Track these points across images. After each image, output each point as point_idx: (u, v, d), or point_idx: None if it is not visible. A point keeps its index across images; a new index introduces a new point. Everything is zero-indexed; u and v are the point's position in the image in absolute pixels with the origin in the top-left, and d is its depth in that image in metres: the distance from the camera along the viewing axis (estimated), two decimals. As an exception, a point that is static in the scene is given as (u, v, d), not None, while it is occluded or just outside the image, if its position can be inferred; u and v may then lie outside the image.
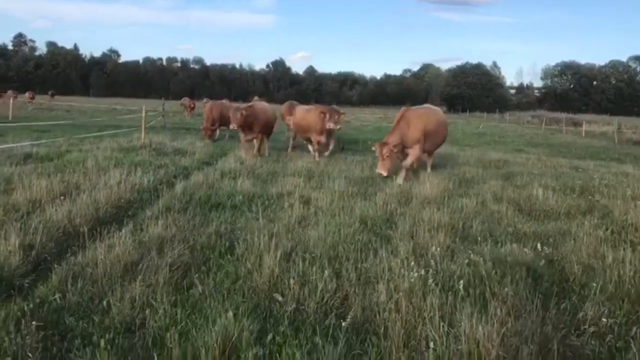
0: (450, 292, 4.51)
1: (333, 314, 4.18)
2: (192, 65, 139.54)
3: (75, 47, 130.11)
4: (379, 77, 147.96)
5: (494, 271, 5.02)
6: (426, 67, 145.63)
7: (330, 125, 13.54)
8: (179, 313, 4.13)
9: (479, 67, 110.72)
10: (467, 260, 5.30)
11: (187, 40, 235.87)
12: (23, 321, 3.86)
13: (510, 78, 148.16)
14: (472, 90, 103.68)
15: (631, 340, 3.81)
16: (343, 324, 3.92)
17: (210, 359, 3.47)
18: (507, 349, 3.44)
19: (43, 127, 21.29)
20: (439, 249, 5.66)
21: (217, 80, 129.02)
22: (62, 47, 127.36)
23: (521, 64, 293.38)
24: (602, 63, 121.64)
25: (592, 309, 4.30)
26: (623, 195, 9.59)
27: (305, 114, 15.05)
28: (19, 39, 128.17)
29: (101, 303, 4.34)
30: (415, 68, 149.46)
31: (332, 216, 7.46)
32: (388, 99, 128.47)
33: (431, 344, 3.54)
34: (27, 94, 46.43)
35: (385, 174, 10.71)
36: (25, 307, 4.10)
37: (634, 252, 5.69)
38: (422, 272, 4.86)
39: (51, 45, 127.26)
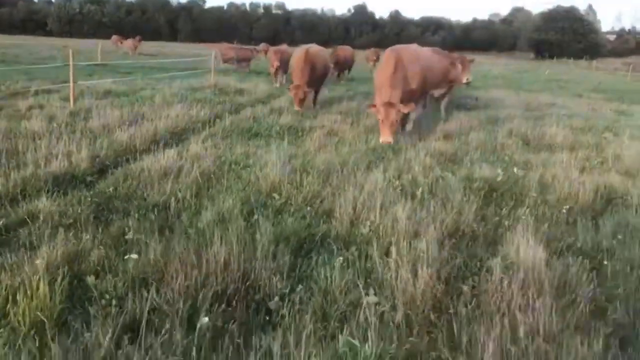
0: (409, 196, 5.61)
1: (309, 207, 5.42)
2: (274, 11, 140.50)
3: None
4: (463, 22, 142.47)
5: (458, 184, 6.05)
6: (516, 11, 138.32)
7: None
8: (193, 201, 5.52)
9: (570, 11, 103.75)
10: (438, 175, 6.33)
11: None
12: (84, 200, 5.38)
13: (611, 22, 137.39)
14: (562, 35, 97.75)
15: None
16: (308, 208, 5.16)
17: (208, 226, 4.80)
18: (417, 223, 4.57)
19: (127, 69, 23.50)
20: (421, 167, 6.69)
21: (298, 26, 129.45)
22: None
23: (620, 7, 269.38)
24: None
25: (522, 210, 5.30)
26: (631, 134, 10.03)
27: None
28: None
29: (142, 193, 5.81)
30: (505, 12, 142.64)
31: (349, 145, 8.59)
32: (474, 45, 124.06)
33: (368, 222, 4.72)
34: (132, 40, 46.25)
35: (392, 141, 8.73)
36: (87, 194, 5.65)
37: (590, 175, 6.49)
38: (395, 181, 5.99)
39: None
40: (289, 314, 3.30)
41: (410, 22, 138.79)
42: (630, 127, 10.92)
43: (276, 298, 3.50)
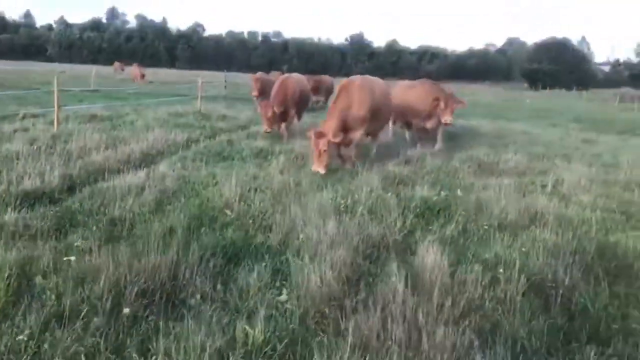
0: (348, 213, 6.18)
1: (252, 221, 5.97)
2: (272, 39, 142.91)
3: (164, 21, 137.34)
4: (459, 51, 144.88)
5: (396, 203, 6.62)
6: (511, 41, 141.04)
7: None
8: (148, 216, 6.05)
9: (563, 42, 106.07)
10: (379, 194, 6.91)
11: (269, 14, 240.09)
12: (48, 214, 5.90)
13: (606, 54, 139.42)
14: (555, 66, 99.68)
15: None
16: (251, 221, 5.72)
17: (155, 236, 5.31)
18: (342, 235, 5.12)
19: (121, 95, 24.24)
20: (368, 188, 7.25)
21: (296, 54, 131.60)
22: (151, 20, 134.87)
23: (615, 39, 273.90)
24: None
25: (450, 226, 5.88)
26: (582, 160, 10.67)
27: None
28: (112, 13, 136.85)
29: (104, 209, 6.33)
30: (500, 42, 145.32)
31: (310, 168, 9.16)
32: (469, 74, 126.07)
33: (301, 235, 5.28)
34: (134, 68, 42.46)
35: (323, 171, 8.65)
36: (53, 209, 6.18)
37: (527, 197, 7.15)
38: (341, 200, 6.56)
39: (141, 18, 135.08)
40: (210, 308, 3.82)
41: (406, 51, 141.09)
42: (587, 155, 11.54)
43: (197, 296, 4.02)
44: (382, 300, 3.85)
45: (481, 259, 5.05)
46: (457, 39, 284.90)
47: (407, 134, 13.30)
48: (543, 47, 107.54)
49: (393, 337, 3.36)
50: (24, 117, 13.40)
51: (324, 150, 8.80)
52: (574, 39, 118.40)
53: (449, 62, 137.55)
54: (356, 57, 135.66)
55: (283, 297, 4.03)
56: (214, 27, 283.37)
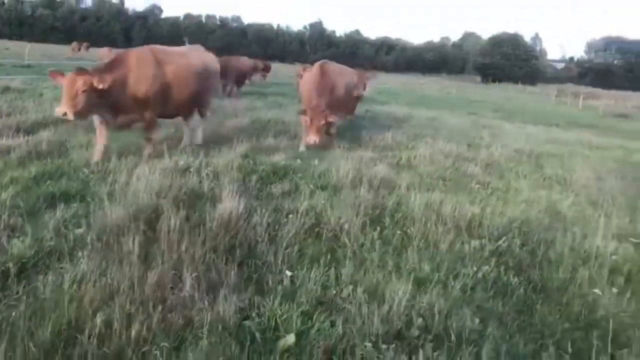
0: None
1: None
2: (231, 24, 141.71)
3: (121, 2, 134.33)
4: (416, 44, 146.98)
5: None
6: (467, 35, 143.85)
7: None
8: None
9: (514, 36, 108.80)
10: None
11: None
12: None
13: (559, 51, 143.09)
14: (506, 60, 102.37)
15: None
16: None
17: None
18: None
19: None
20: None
21: (255, 39, 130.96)
22: (109, 1, 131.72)
23: (567, 37, 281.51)
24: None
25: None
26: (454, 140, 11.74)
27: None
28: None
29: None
30: (458, 36, 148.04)
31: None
32: (425, 66, 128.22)
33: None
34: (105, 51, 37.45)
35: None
36: None
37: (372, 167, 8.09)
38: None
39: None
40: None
41: (365, 42, 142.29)
42: (469, 137, 12.68)
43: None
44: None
45: (285, 208, 5.83)
46: (416, 33, 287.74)
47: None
48: (495, 41, 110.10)
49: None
50: None
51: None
52: (528, 36, 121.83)
53: (406, 54, 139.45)
54: (315, 44, 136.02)
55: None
56: (172, 10, 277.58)
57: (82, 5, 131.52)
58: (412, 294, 3.96)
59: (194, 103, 9.11)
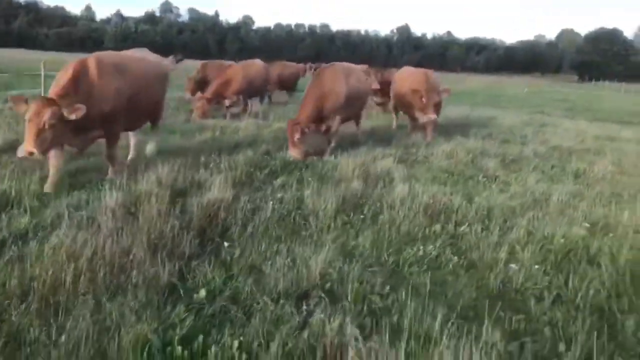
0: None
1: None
2: (318, 31, 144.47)
3: (216, 14, 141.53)
4: (508, 43, 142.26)
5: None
6: (564, 33, 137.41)
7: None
8: None
9: (613, 32, 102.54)
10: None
11: (316, 6, 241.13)
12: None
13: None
14: (603, 57, 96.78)
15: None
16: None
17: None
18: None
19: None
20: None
21: (342, 45, 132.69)
22: (204, 14, 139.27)
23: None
24: None
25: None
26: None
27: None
28: (166, 6, 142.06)
29: None
30: (554, 34, 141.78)
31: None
32: (516, 66, 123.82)
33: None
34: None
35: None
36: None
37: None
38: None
39: (193, 12, 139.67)
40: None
41: (454, 42, 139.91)
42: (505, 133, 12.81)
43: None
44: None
45: (276, 198, 6.51)
46: (510, 31, 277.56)
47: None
48: (593, 38, 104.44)
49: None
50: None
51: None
52: (630, 30, 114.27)
53: (497, 54, 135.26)
54: (402, 48, 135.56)
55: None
56: (263, 20, 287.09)
57: (180, 19, 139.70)
58: (336, 264, 4.50)
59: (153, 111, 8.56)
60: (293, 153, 9.03)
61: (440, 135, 12.20)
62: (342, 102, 9.71)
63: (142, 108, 7.86)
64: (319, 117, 9.56)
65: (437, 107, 11.68)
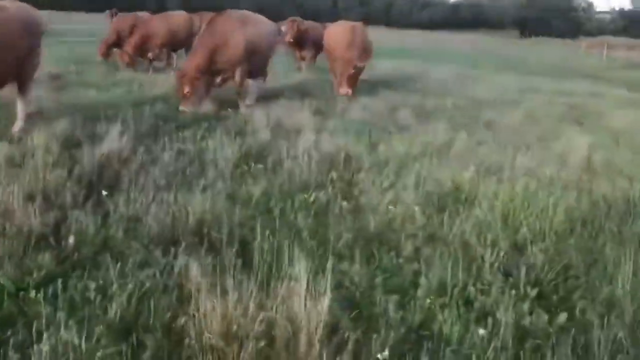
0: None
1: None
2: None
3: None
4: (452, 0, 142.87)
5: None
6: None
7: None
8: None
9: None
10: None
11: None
12: None
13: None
14: (544, 13, 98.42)
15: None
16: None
17: None
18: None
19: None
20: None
21: None
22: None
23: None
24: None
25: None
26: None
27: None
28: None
29: None
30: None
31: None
32: (461, 23, 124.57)
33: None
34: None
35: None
36: None
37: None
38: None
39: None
40: None
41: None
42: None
43: None
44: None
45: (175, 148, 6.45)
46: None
47: None
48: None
49: None
50: None
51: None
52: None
53: (441, 10, 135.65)
54: (347, 2, 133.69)
55: None
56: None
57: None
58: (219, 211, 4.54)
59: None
60: (184, 106, 8.54)
61: (365, 89, 12.28)
62: (241, 55, 9.05)
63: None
64: (211, 70, 8.89)
65: (367, 56, 11.23)
